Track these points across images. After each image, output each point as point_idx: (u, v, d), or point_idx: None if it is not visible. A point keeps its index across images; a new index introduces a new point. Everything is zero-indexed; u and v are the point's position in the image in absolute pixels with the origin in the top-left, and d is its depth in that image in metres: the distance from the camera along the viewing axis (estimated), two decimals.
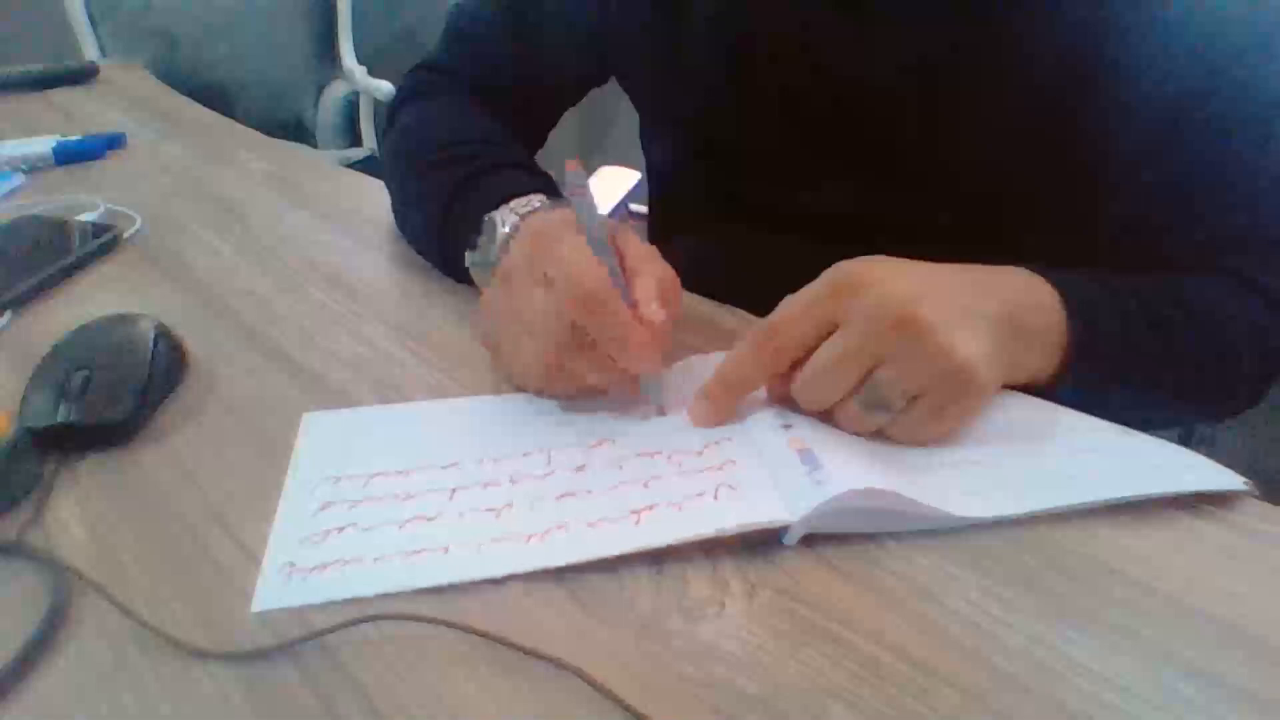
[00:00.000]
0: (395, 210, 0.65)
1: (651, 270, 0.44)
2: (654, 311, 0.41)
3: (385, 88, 1.81)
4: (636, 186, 1.21)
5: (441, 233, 0.56)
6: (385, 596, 0.34)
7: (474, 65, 0.69)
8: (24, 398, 0.44)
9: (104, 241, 0.65)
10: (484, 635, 0.32)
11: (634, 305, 0.42)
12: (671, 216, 0.75)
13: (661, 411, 0.44)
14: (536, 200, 0.50)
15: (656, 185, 0.76)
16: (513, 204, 0.50)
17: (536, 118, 0.71)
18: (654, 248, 0.46)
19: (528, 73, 0.66)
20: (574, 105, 0.73)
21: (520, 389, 0.47)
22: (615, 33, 0.64)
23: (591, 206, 0.43)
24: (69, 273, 0.62)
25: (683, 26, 0.59)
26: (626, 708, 0.29)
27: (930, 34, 0.51)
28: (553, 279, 0.41)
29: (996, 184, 0.53)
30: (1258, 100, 0.48)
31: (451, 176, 0.56)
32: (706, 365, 0.45)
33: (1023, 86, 0.50)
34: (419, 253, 0.62)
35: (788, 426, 0.40)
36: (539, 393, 0.46)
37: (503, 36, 0.67)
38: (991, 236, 0.47)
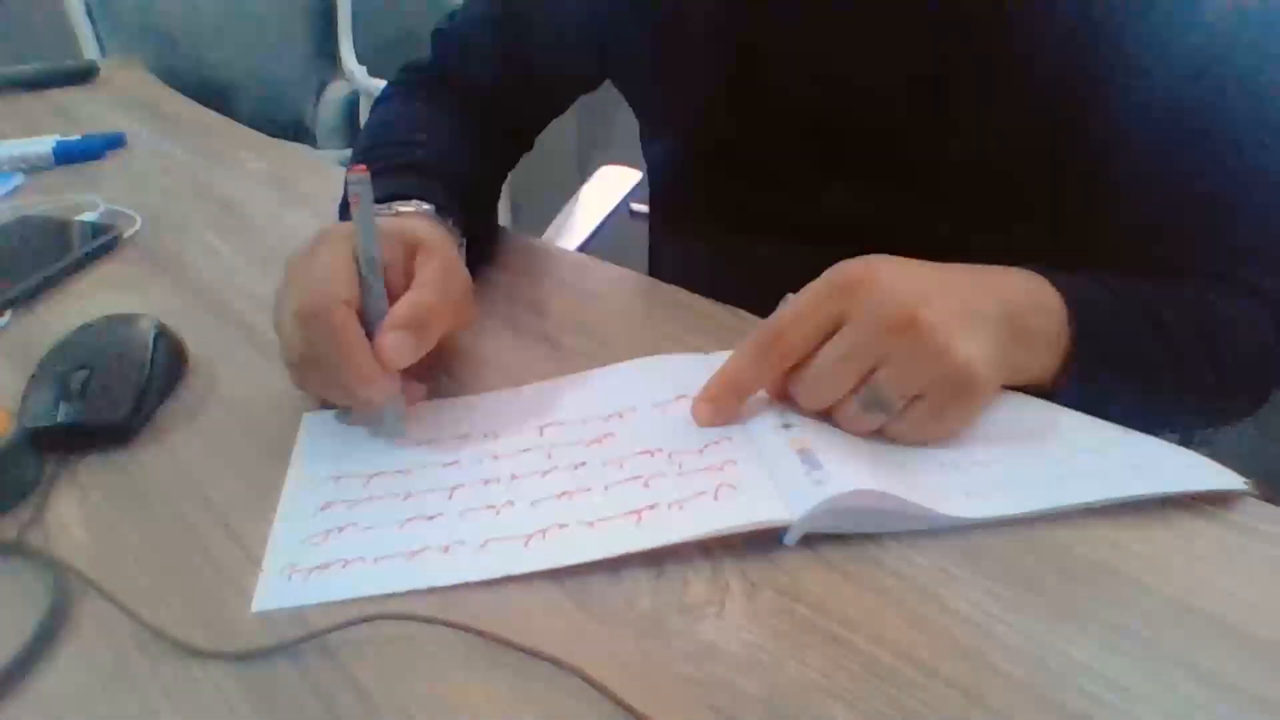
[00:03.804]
0: None
1: (415, 296, 0.42)
2: (387, 341, 0.40)
3: None
4: (637, 186, 1.21)
5: None
6: (385, 596, 0.34)
7: (458, 67, 0.68)
8: (24, 398, 0.44)
9: (104, 241, 0.65)
10: (484, 635, 0.32)
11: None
12: (672, 218, 0.75)
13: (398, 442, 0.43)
14: (410, 206, 0.51)
15: (656, 188, 0.76)
16: (394, 205, 0.50)
17: (524, 120, 0.70)
18: (449, 270, 0.44)
19: (515, 76, 0.66)
20: (565, 109, 0.73)
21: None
22: (613, 38, 0.64)
23: (365, 217, 0.41)
24: (69, 273, 0.62)
25: (681, 33, 0.59)
26: (626, 708, 0.29)
27: (932, 41, 0.51)
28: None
29: (999, 190, 0.53)
30: (1265, 107, 0.48)
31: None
32: (695, 364, 0.45)
33: (1026, 94, 0.50)
34: None
35: (788, 426, 0.40)
36: (298, 386, 0.45)
37: (491, 40, 0.67)
38: (995, 243, 0.47)
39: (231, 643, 0.32)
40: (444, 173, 0.57)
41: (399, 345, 0.40)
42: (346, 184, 0.40)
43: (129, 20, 1.69)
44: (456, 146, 0.62)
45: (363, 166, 0.40)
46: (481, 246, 0.62)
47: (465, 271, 0.47)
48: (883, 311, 0.38)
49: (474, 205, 0.60)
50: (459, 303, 0.45)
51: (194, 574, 0.36)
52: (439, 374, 0.49)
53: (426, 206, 0.51)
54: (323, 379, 0.42)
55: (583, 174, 1.28)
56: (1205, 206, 0.50)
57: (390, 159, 0.57)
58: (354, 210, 0.41)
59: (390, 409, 0.43)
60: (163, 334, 0.49)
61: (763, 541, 0.36)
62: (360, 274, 0.41)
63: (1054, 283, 0.44)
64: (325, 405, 0.46)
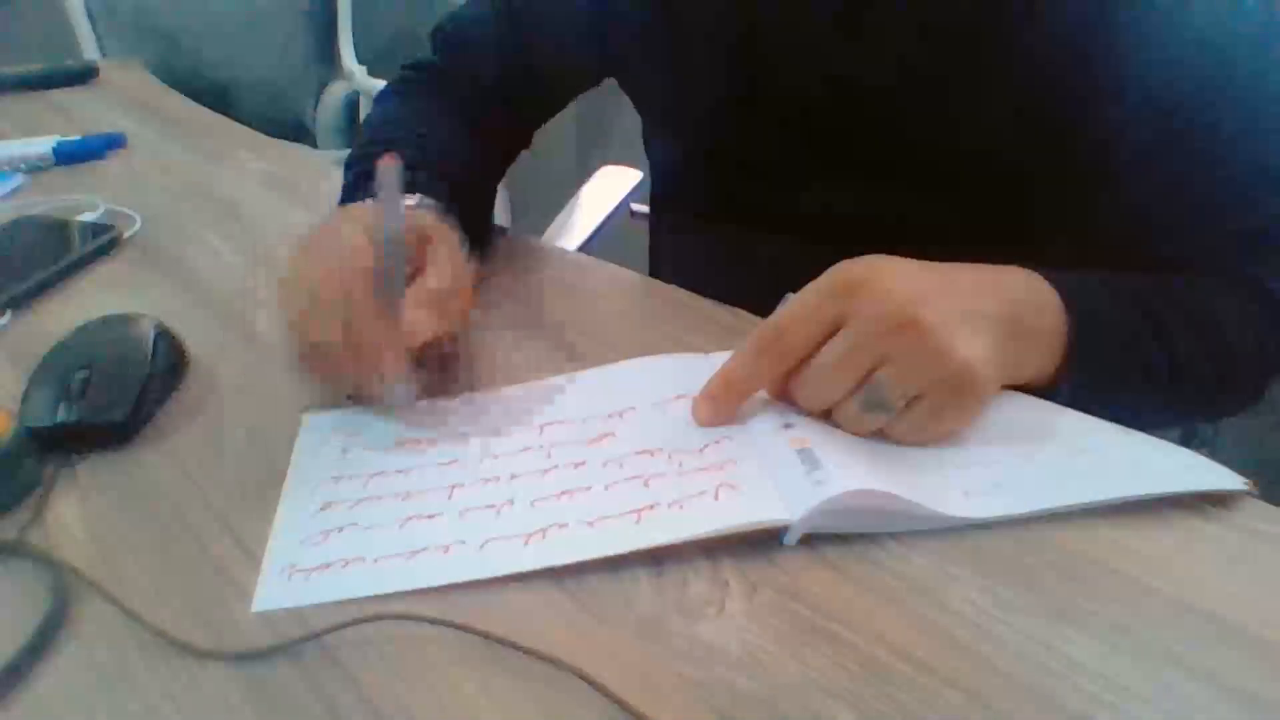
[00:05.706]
0: None
1: (438, 276, 0.43)
2: (410, 318, 0.41)
3: None
4: (637, 186, 1.21)
5: None
6: (385, 596, 0.34)
7: (459, 64, 0.68)
8: (24, 398, 0.44)
9: (104, 241, 0.65)
10: (484, 635, 0.32)
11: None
12: (674, 216, 0.76)
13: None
14: (414, 199, 0.51)
15: (659, 185, 0.76)
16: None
17: (524, 117, 0.71)
18: (461, 264, 0.46)
19: (516, 73, 0.66)
20: (565, 106, 0.73)
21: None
22: (615, 36, 0.64)
23: (393, 205, 0.42)
24: (69, 273, 0.62)
25: (682, 31, 0.59)
26: (626, 708, 0.29)
27: (932, 39, 0.51)
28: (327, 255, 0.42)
29: (999, 187, 0.53)
30: (1262, 101, 0.48)
31: (353, 171, 0.59)
32: (695, 364, 0.45)
33: (1024, 91, 0.50)
34: None
35: (788, 426, 0.40)
36: (301, 362, 0.45)
37: (492, 37, 0.67)
38: (994, 240, 0.47)
39: (231, 643, 0.32)
40: (443, 170, 0.57)
41: (422, 318, 0.42)
42: (377, 171, 0.41)
43: (129, 20, 1.69)
44: (456, 144, 0.62)
45: (392, 157, 0.41)
46: (479, 245, 0.62)
47: (469, 264, 0.48)
48: (883, 312, 0.38)
49: (472, 202, 0.60)
50: (467, 291, 0.46)
51: (194, 574, 0.36)
52: (436, 374, 0.49)
53: (430, 202, 0.52)
54: (334, 355, 0.42)
55: (583, 174, 1.28)
56: (1203, 202, 0.50)
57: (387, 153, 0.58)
58: (382, 195, 0.42)
59: (399, 387, 0.43)
60: (163, 334, 0.49)
61: (763, 541, 0.36)
62: (381, 254, 0.42)
63: (1053, 282, 0.44)
64: (325, 404, 0.46)
